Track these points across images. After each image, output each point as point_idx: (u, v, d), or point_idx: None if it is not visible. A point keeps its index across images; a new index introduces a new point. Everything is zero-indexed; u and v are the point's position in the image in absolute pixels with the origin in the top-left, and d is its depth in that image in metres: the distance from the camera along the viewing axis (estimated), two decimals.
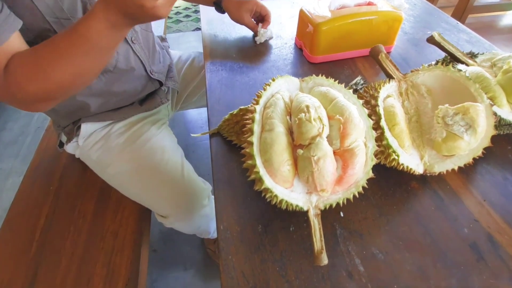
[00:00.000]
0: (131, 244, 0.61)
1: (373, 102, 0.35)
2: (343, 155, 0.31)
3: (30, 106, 0.42)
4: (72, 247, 0.59)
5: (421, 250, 0.34)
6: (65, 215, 0.64)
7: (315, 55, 0.60)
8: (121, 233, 0.62)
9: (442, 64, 0.48)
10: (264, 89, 0.34)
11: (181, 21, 2.31)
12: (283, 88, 0.36)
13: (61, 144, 0.65)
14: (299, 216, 0.36)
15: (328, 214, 0.36)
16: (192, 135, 0.52)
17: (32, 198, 0.67)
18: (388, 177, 0.40)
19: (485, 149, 0.38)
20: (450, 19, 0.79)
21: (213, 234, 0.83)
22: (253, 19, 0.69)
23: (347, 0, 0.60)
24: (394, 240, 0.35)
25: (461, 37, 0.72)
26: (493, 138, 0.45)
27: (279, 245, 0.34)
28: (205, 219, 0.69)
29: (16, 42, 0.38)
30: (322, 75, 0.38)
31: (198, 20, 2.32)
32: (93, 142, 0.61)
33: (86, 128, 0.60)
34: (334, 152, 0.31)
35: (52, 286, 0.54)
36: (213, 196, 0.58)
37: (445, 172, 0.37)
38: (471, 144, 0.34)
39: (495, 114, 0.37)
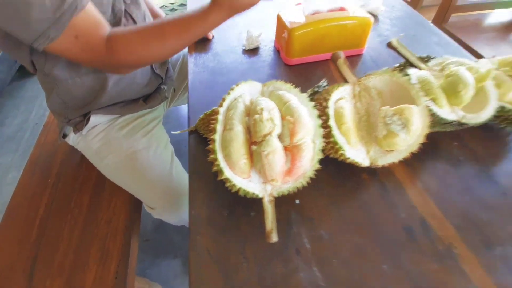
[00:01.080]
0: (123, 231, 0.67)
1: (324, 104, 0.40)
2: (292, 150, 0.36)
3: (119, 70, 0.56)
4: (69, 233, 0.65)
5: (361, 232, 0.39)
6: (63, 205, 0.70)
7: (291, 58, 0.65)
8: (114, 221, 0.68)
9: (400, 67, 0.53)
10: (228, 94, 0.40)
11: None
12: (246, 92, 0.41)
13: (63, 136, 0.70)
14: (259, 204, 0.42)
15: (285, 202, 0.42)
16: (172, 132, 0.58)
17: (31, 190, 0.73)
18: (342, 170, 0.46)
19: (432, 145, 0.44)
20: (425, 22, 0.83)
21: None
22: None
23: (320, 6, 0.64)
24: (340, 224, 0.40)
25: (432, 40, 0.76)
26: (441, 135, 0.50)
27: (240, 228, 0.40)
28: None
29: (92, 7, 0.47)
30: (283, 82, 0.44)
31: None
32: (95, 133, 0.67)
33: (95, 119, 0.66)
34: (285, 148, 0.36)
35: (51, 268, 0.60)
36: None
37: (387, 165, 0.42)
38: (407, 140, 0.39)
39: (434, 114, 0.43)
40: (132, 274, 0.64)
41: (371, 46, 0.73)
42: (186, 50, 0.93)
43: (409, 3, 1.51)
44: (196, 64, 0.68)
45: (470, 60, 0.49)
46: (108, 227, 0.66)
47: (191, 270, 0.37)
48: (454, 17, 1.34)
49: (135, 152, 0.67)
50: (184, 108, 1.54)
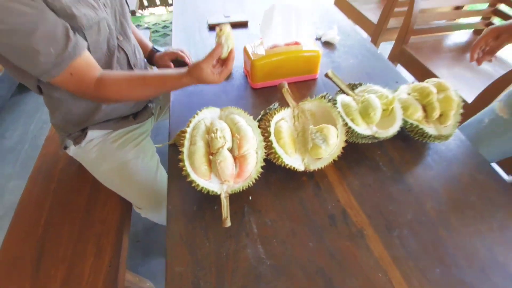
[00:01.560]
0: (115, 229, 0.79)
1: (267, 124, 0.54)
2: (240, 159, 0.50)
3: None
4: (70, 231, 0.77)
5: (296, 220, 0.52)
6: (63, 206, 0.82)
7: (255, 83, 0.79)
8: (108, 220, 0.80)
9: (332, 98, 0.68)
10: (194, 117, 0.53)
11: (168, 34, 2.50)
12: (208, 115, 0.54)
13: (64, 148, 0.83)
14: (220, 199, 0.55)
15: (241, 198, 0.55)
16: (155, 145, 0.71)
17: (36, 194, 0.85)
18: (288, 174, 0.59)
19: (361, 153, 0.58)
20: (373, 49, 0.99)
21: None
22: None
23: (278, 41, 0.79)
24: (281, 214, 0.53)
25: (377, 65, 0.91)
26: (369, 146, 0.64)
27: (205, 218, 0.53)
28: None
29: (88, 54, 0.61)
30: (235, 107, 0.57)
31: None
32: (92, 145, 0.79)
33: (92, 134, 0.78)
34: (234, 157, 0.50)
35: (55, 259, 0.71)
36: None
37: (321, 169, 0.56)
38: (327, 151, 0.53)
39: (353, 130, 0.56)
40: (123, 265, 0.75)
41: (325, 71, 0.87)
42: None
43: (376, 26, 1.69)
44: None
45: (384, 89, 0.63)
46: (103, 225, 0.78)
47: (168, 249, 0.49)
48: (414, 38, 1.51)
49: (126, 162, 0.80)
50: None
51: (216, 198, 0.53)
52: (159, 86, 0.65)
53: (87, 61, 0.60)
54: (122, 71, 0.70)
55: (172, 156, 0.63)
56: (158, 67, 0.92)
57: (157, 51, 0.93)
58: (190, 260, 0.48)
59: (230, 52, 0.60)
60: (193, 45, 1.00)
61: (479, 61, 0.74)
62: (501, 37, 0.72)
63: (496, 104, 0.79)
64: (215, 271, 0.46)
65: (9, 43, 0.52)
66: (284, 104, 0.65)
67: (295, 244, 0.50)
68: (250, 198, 0.56)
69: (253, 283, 0.45)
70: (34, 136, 1.62)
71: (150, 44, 0.94)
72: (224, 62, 0.62)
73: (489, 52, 0.72)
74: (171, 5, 2.91)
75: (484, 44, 0.73)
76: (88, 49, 0.62)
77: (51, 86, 0.66)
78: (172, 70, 0.64)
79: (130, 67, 0.77)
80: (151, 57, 0.93)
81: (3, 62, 0.61)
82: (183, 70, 0.62)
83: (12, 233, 0.76)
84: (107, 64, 0.70)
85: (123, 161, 0.80)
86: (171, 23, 2.78)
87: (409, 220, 0.53)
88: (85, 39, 0.61)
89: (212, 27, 1.08)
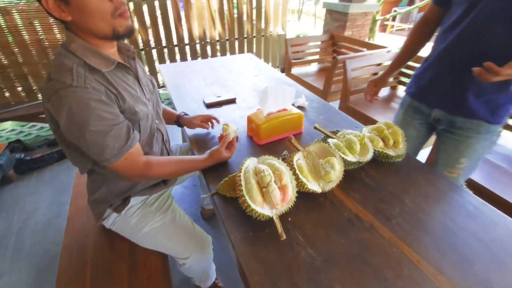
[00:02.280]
0: (162, 279, 0.86)
1: (291, 163, 0.78)
2: (282, 188, 0.71)
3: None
4: None
5: (326, 227, 0.72)
6: (105, 274, 0.87)
7: (260, 141, 1.05)
8: (153, 276, 0.87)
9: (322, 139, 0.96)
10: (242, 165, 0.74)
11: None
12: (250, 163, 0.76)
13: (103, 219, 0.91)
14: (269, 223, 0.72)
15: (283, 220, 0.73)
16: (202, 196, 0.87)
17: (73, 271, 0.88)
18: (309, 198, 0.80)
19: (352, 176, 0.83)
20: (332, 107, 1.36)
21: (212, 277, 1.10)
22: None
23: (272, 109, 1.08)
24: (314, 225, 0.73)
25: (339, 118, 1.26)
26: (356, 170, 0.90)
27: (262, 238, 0.69)
28: (210, 259, 1.00)
29: (138, 145, 0.79)
30: (267, 155, 0.81)
31: None
32: (132, 212, 0.91)
33: (133, 201, 0.90)
34: (278, 187, 0.71)
35: None
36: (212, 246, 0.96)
37: (332, 190, 0.79)
38: (335, 175, 0.77)
39: (345, 160, 0.83)
40: None
41: (306, 126, 1.18)
42: (185, 144, 1.28)
43: (322, 91, 2.18)
44: (198, 153, 1.02)
45: (354, 131, 0.94)
46: (150, 281, 0.85)
47: (243, 266, 0.63)
48: (353, 97, 2.01)
49: (165, 218, 0.93)
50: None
51: (265, 223, 0.71)
52: (190, 167, 0.88)
53: (137, 149, 0.78)
54: (163, 157, 0.89)
55: (219, 202, 0.80)
56: (189, 127, 1.11)
57: (186, 114, 1.14)
58: (263, 270, 0.63)
59: (233, 138, 0.93)
60: None
61: (371, 101, 1.34)
62: (377, 85, 1.30)
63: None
64: (285, 274, 0.62)
65: (89, 139, 0.68)
66: (290, 151, 0.90)
67: (332, 242, 0.69)
68: (289, 219, 0.75)
69: (315, 274, 0.62)
70: (19, 228, 1.55)
71: (176, 111, 1.16)
72: (229, 144, 0.92)
73: (374, 95, 1.31)
74: None
75: (370, 91, 1.31)
76: (140, 132, 0.82)
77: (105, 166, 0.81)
78: (197, 156, 0.89)
79: (163, 142, 0.97)
80: (179, 120, 1.13)
81: (68, 148, 0.77)
82: (205, 155, 0.88)
83: None
84: (149, 141, 0.90)
85: (165, 220, 0.92)
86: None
87: (399, 212, 0.77)
88: (139, 126, 0.81)
89: (209, 106, 1.36)
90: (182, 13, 3.01)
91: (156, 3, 2.84)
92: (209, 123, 1.11)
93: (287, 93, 1.07)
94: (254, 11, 3.28)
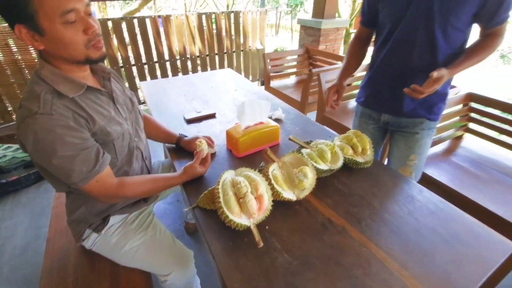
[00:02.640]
0: None
1: (267, 174, 0.82)
2: (258, 198, 0.75)
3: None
4: None
5: (301, 232, 0.77)
6: None
7: (239, 153, 1.09)
8: None
9: (297, 150, 1.02)
10: (221, 177, 0.78)
11: None
12: (228, 176, 0.80)
13: (83, 240, 0.91)
14: (247, 233, 0.76)
15: (260, 228, 0.77)
16: (184, 210, 0.90)
17: None
18: (286, 206, 0.85)
19: (325, 183, 0.88)
20: (308, 119, 1.43)
21: None
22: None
23: (250, 123, 1.14)
24: (290, 231, 0.77)
25: (314, 128, 1.33)
26: (329, 177, 0.96)
27: (241, 247, 0.73)
28: (193, 274, 1.01)
29: (109, 168, 0.79)
30: (244, 167, 0.85)
31: None
32: (112, 231, 0.91)
33: (113, 220, 0.91)
34: (255, 197, 0.75)
35: None
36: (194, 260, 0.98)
37: (306, 197, 0.84)
38: (308, 183, 0.83)
39: (317, 168, 0.89)
40: None
41: (283, 137, 1.24)
42: (167, 159, 1.30)
43: (300, 103, 2.27)
44: (180, 167, 1.05)
45: (327, 140, 1.01)
46: None
47: (223, 275, 0.66)
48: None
49: (147, 235, 0.94)
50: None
51: (244, 233, 0.75)
52: (166, 185, 0.91)
53: (108, 172, 0.80)
54: (137, 176, 0.91)
55: (199, 215, 0.83)
56: (188, 148, 1.11)
57: (185, 136, 1.16)
58: (243, 277, 0.66)
59: (207, 153, 0.97)
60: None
61: (333, 107, 1.23)
62: (339, 91, 1.21)
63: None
64: (264, 279, 0.66)
65: (55, 164, 0.70)
66: (266, 162, 0.95)
67: (307, 247, 0.73)
68: (267, 227, 0.79)
69: (291, 278, 0.66)
70: None
71: (176, 133, 1.17)
72: (204, 159, 0.96)
73: (338, 100, 1.21)
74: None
75: (332, 97, 1.22)
76: (116, 152, 0.84)
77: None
78: (173, 173, 0.93)
79: (143, 160, 1.00)
80: (179, 142, 1.14)
81: (42, 171, 0.78)
82: (179, 171, 0.91)
83: None
84: (128, 160, 0.92)
85: (145, 238, 0.93)
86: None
87: (368, 214, 0.83)
88: (114, 146, 0.83)
89: (189, 121, 1.39)
90: (162, 29, 3.07)
91: (135, 21, 2.89)
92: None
93: (263, 107, 1.13)
94: (233, 27, 3.39)
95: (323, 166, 0.91)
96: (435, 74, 0.87)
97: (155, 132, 1.16)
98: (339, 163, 0.94)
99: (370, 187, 0.94)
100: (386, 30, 1.06)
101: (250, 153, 1.12)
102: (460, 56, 0.96)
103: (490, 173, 1.46)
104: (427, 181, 1.46)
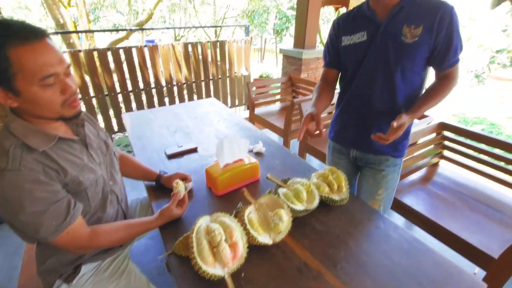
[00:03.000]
0: None
1: (242, 218, 0.83)
2: (233, 246, 0.75)
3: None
4: None
5: (278, 278, 0.77)
6: None
7: (218, 192, 1.10)
8: None
9: (275, 188, 1.03)
10: (195, 224, 0.78)
11: None
12: (203, 222, 0.80)
13: None
14: (222, 282, 0.75)
15: (236, 276, 0.77)
16: (158, 257, 0.88)
17: None
18: (262, 251, 0.85)
19: (303, 222, 0.89)
20: (287, 151, 1.46)
21: None
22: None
23: (229, 160, 1.15)
24: (266, 278, 0.77)
25: (293, 162, 1.36)
26: (307, 216, 0.97)
27: None
28: None
29: (80, 218, 0.77)
30: (220, 212, 0.85)
31: None
32: (84, 280, 0.88)
33: (84, 268, 0.87)
34: (229, 245, 0.75)
35: None
36: None
37: (283, 238, 0.84)
38: (283, 226, 0.83)
39: (293, 209, 0.90)
40: None
41: (262, 172, 1.25)
42: (146, 197, 1.28)
43: (283, 130, 2.31)
44: (158, 208, 1.04)
45: (303, 179, 1.03)
46: None
47: None
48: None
49: (121, 282, 0.91)
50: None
51: (219, 282, 0.74)
52: (141, 231, 0.90)
53: (79, 222, 0.78)
54: (110, 223, 0.88)
55: (174, 262, 0.82)
56: (169, 186, 1.07)
57: (165, 173, 1.16)
58: None
59: (184, 194, 0.96)
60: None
61: (316, 136, 1.01)
62: (315, 118, 1.00)
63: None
64: None
65: (23, 220, 0.68)
66: (245, 202, 0.95)
67: None
68: (243, 274, 0.78)
69: None
70: None
71: (156, 170, 1.16)
72: (181, 201, 0.95)
73: (318, 126, 0.99)
74: (116, 132, 3.18)
75: (305, 126, 0.99)
76: (89, 200, 0.83)
77: None
78: (148, 217, 0.92)
79: (118, 203, 0.98)
80: (159, 179, 1.13)
81: (9, 225, 0.76)
82: (155, 215, 0.90)
83: None
84: (102, 205, 0.91)
85: (119, 284, 0.90)
86: (125, 145, 3.02)
87: (344, 255, 0.84)
88: (87, 194, 0.83)
89: (170, 157, 1.40)
90: (148, 57, 3.12)
91: (121, 51, 2.94)
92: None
93: (242, 144, 1.15)
94: (219, 54, 3.49)
95: (299, 207, 0.92)
96: (395, 124, 0.92)
97: (132, 170, 1.16)
98: (315, 203, 0.96)
99: (346, 225, 0.96)
100: (349, 73, 1.12)
101: (230, 190, 1.13)
102: (419, 98, 1.03)
103: (466, 201, 1.50)
104: (405, 210, 1.50)
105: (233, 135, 1.14)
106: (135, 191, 2.28)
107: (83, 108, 2.94)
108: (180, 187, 0.96)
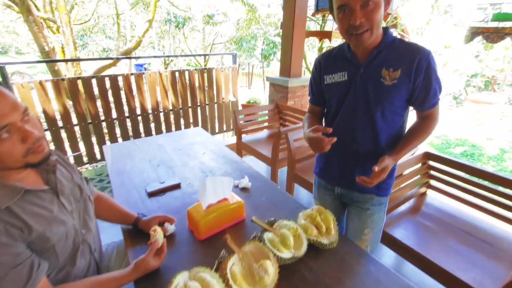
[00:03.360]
0: None
1: (224, 272, 0.76)
2: None
3: None
4: None
5: None
6: None
7: (200, 236, 1.03)
8: None
9: (261, 232, 0.98)
10: (172, 283, 0.71)
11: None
12: (181, 280, 0.73)
13: None
14: None
15: None
16: None
17: None
18: None
19: (292, 269, 0.83)
20: (274, 185, 1.42)
21: None
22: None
23: (212, 200, 1.09)
24: None
25: (280, 197, 1.31)
26: (296, 262, 0.91)
27: None
28: None
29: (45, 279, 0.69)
30: (200, 267, 0.78)
31: None
32: None
33: None
34: None
35: None
36: None
37: None
38: (269, 278, 0.77)
39: (279, 257, 0.84)
40: None
41: (247, 212, 1.20)
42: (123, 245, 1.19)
43: (271, 159, 2.28)
44: (135, 257, 0.96)
45: (289, 221, 0.98)
46: None
47: None
48: (299, 164, 2.14)
49: None
50: None
51: None
52: (114, 286, 0.81)
53: (43, 285, 0.70)
54: (78, 282, 0.79)
55: None
56: (147, 231, 0.97)
57: (144, 216, 1.07)
58: None
59: (163, 243, 0.88)
60: (136, 212, 1.20)
61: (329, 144, 0.96)
62: (317, 130, 0.97)
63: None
64: None
65: None
66: (228, 249, 0.89)
67: None
68: None
69: None
70: None
71: (134, 213, 1.08)
72: (159, 250, 0.87)
73: (326, 130, 0.98)
74: (99, 160, 3.05)
75: (318, 135, 0.97)
76: (57, 255, 0.76)
77: None
78: (121, 270, 0.83)
79: (91, 252, 0.90)
80: (137, 224, 1.05)
81: None
82: (130, 267, 0.82)
83: None
84: (72, 258, 0.82)
85: None
86: (107, 175, 2.89)
87: None
88: (55, 250, 0.75)
89: (151, 194, 1.32)
90: (134, 84, 3.09)
91: (107, 79, 2.90)
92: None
93: (226, 183, 1.10)
94: (206, 81, 3.51)
95: (286, 254, 0.87)
96: (376, 168, 0.91)
97: (108, 213, 1.08)
98: (303, 249, 0.91)
99: (337, 271, 0.90)
100: (332, 111, 1.12)
101: (213, 234, 1.06)
102: (402, 139, 1.02)
103: (456, 233, 1.48)
104: (395, 244, 1.45)
105: (216, 177, 1.09)
106: (114, 228, 2.15)
107: (63, 135, 2.84)
108: (158, 235, 0.89)
